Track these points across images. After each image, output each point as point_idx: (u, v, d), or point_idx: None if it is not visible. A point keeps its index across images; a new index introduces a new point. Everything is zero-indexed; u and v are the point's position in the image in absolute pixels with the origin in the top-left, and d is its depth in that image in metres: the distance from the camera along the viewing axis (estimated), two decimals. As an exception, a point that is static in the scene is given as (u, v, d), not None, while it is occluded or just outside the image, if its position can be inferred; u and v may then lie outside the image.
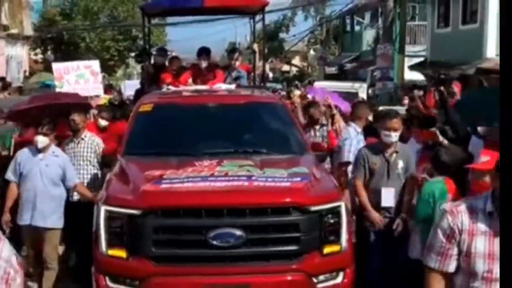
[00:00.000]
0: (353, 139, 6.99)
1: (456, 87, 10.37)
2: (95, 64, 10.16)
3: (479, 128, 6.76)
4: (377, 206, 5.84)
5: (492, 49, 17.98)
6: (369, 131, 7.10)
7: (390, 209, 5.86)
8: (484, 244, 2.88)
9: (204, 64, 8.11)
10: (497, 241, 2.85)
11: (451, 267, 2.96)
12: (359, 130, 7.17)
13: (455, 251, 2.94)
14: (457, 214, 2.93)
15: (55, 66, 10.08)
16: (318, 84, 23.82)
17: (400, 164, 5.85)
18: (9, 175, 6.30)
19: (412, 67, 23.79)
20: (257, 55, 8.90)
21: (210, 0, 8.34)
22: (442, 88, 9.36)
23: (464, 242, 2.92)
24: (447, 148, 5.59)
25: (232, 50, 10.16)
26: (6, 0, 25.41)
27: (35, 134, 6.27)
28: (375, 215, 5.79)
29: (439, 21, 23.30)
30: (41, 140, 6.15)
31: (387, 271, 5.79)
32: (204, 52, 8.25)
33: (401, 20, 23.88)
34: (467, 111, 7.04)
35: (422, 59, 24.07)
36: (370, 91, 22.56)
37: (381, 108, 9.52)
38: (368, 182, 5.89)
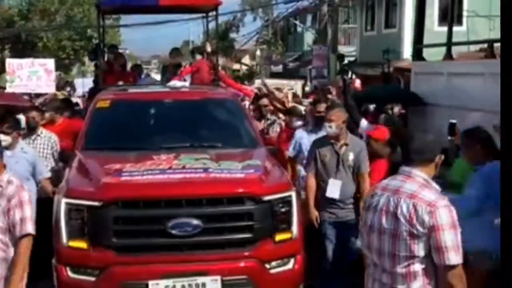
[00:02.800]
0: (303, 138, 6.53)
1: (353, 84, 11.48)
2: (50, 63, 9.75)
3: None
4: (326, 198, 5.46)
5: (408, 51, 18.38)
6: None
7: (339, 201, 5.45)
8: None
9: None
10: None
11: None
12: (310, 128, 6.69)
13: None
14: None
15: (8, 61, 9.55)
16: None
17: (351, 156, 5.46)
18: None
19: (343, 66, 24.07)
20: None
21: None
22: (345, 77, 10.28)
23: None
24: None
25: (194, 49, 9.82)
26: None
27: None
28: (312, 215, 5.45)
29: (367, 24, 23.78)
30: (3, 139, 5.73)
31: (340, 258, 5.49)
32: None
33: (334, 24, 24.08)
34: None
35: (353, 58, 24.51)
36: (308, 88, 22.73)
37: None
38: (319, 174, 5.53)
